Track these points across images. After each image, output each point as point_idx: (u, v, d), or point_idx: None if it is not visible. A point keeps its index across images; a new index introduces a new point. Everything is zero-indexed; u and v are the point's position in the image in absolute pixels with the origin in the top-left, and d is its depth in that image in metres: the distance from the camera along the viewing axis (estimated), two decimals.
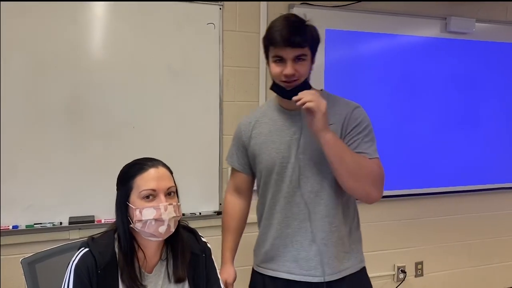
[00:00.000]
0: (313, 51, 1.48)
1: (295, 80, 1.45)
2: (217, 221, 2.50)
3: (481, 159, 3.06)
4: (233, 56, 2.50)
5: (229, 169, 1.79)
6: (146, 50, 2.31)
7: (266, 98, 2.58)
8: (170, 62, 2.36)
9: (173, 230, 1.27)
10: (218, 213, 2.50)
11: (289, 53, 1.42)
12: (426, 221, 3.04)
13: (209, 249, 1.42)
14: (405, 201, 2.95)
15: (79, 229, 2.24)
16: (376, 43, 2.75)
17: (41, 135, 2.16)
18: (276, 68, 1.46)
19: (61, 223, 2.21)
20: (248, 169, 1.68)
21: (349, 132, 1.50)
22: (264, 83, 2.57)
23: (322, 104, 1.38)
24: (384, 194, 2.99)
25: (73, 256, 1.24)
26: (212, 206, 2.50)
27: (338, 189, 1.52)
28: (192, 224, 1.47)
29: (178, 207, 1.28)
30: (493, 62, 3.04)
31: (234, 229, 1.73)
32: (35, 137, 2.15)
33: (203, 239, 1.43)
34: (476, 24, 2.93)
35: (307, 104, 1.37)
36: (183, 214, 2.31)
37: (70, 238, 2.21)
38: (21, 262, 1.45)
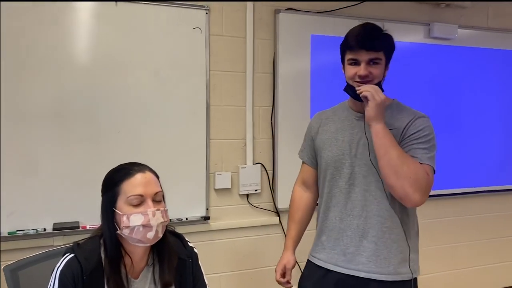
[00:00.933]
0: (388, 57, 1.56)
1: (369, 81, 1.52)
2: (204, 227, 2.50)
3: (462, 162, 3.10)
4: (219, 61, 2.50)
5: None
6: (132, 54, 2.30)
7: (253, 103, 2.58)
8: (157, 66, 2.35)
9: (161, 235, 1.26)
10: (205, 218, 2.49)
11: (363, 56, 1.50)
12: (423, 222, 3.02)
13: (195, 254, 1.41)
14: None
15: (64, 235, 2.20)
16: None
17: (24, 140, 2.13)
18: (351, 70, 1.54)
19: (45, 229, 2.17)
20: (315, 163, 1.75)
21: (406, 138, 1.53)
22: (251, 87, 2.57)
23: (378, 95, 1.45)
24: None
25: (57, 262, 1.22)
26: (199, 212, 2.48)
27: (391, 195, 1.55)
28: (179, 230, 1.46)
29: (165, 212, 1.27)
30: (476, 68, 3.10)
31: (299, 219, 1.79)
32: (17, 141, 2.12)
33: (189, 244, 1.42)
34: (458, 30, 2.99)
35: (364, 92, 1.46)
36: (170, 220, 2.31)
37: (54, 244, 2.18)
38: (3, 270, 1.42)
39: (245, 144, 2.59)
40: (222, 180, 2.54)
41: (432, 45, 2.95)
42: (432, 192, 2.90)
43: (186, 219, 2.44)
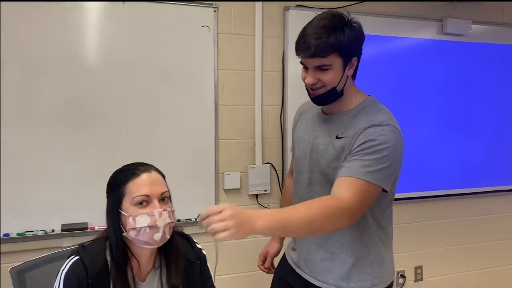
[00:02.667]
0: (346, 57, 1.38)
1: (320, 88, 1.40)
2: None
3: (479, 161, 3.04)
4: (228, 59, 2.47)
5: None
6: (141, 53, 2.28)
7: (262, 101, 2.55)
8: (165, 65, 2.32)
9: (168, 237, 1.23)
10: None
11: (309, 63, 1.38)
12: (424, 224, 3.01)
13: (204, 256, 1.38)
14: (403, 204, 2.92)
15: (72, 236, 2.19)
16: (373, 45, 2.73)
17: (33, 141, 2.12)
18: (302, 74, 1.44)
19: (53, 230, 2.16)
20: None
21: (354, 149, 1.36)
22: (259, 86, 2.53)
23: (228, 224, 1.07)
24: None
25: (63, 265, 1.20)
26: None
27: None
28: (187, 230, 1.43)
29: (172, 212, 1.24)
30: (490, 64, 3.03)
31: None
32: (27, 142, 2.11)
33: (198, 245, 1.39)
34: (472, 25, 2.92)
35: (218, 237, 1.07)
36: (179, 220, 2.29)
37: (63, 246, 2.16)
38: (9, 271, 1.41)
39: (254, 144, 2.56)
40: (231, 180, 2.51)
41: (445, 41, 2.89)
42: (432, 194, 2.90)
43: (195, 219, 2.41)
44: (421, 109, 2.88)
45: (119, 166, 1.30)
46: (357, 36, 1.39)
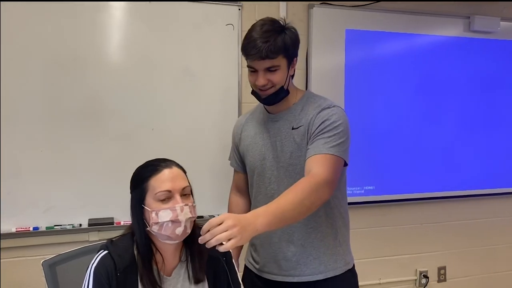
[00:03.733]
0: (289, 58, 1.50)
1: (270, 88, 1.50)
2: None
3: (505, 161, 2.97)
4: None
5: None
6: (164, 52, 2.30)
7: None
8: (188, 63, 2.35)
9: (189, 231, 1.25)
10: None
11: (259, 65, 1.47)
12: (449, 224, 2.96)
13: (229, 252, 1.39)
14: (427, 204, 2.88)
15: (98, 231, 2.24)
16: (397, 43, 2.70)
17: (60, 137, 2.17)
18: (250, 77, 1.53)
19: (80, 225, 2.22)
20: (244, 168, 1.75)
21: (313, 132, 1.50)
22: None
23: (234, 232, 1.11)
24: (405, 198, 2.93)
25: (92, 259, 1.23)
26: None
27: None
28: None
29: (193, 207, 1.27)
30: None
31: None
32: (54, 139, 2.16)
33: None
34: (501, 22, 2.85)
35: (225, 247, 1.10)
36: (202, 217, 2.31)
37: (90, 240, 2.22)
38: (42, 264, 1.46)
39: None
40: None
41: (472, 39, 2.83)
42: (457, 194, 2.85)
43: (218, 215, 2.43)
44: (447, 108, 2.83)
45: (143, 162, 1.33)
46: (296, 39, 1.52)
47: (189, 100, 2.36)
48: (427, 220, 2.91)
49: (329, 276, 1.56)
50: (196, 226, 1.32)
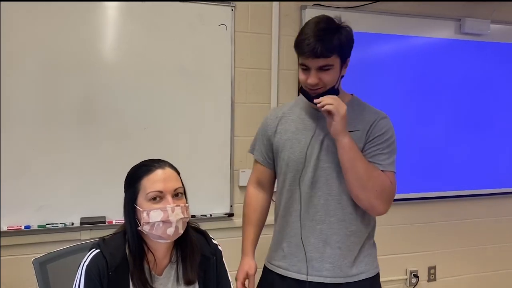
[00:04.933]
0: (343, 57, 1.46)
1: (320, 88, 1.45)
2: (228, 223, 2.50)
3: (496, 162, 3.01)
4: (245, 58, 2.49)
5: (252, 161, 1.80)
6: (158, 51, 2.31)
7: (278, 100, 2.56)
8: (182, 63, 2.36)
9: (181, 232, 1.26)
10: (229, 215, 2.49)
11: (313, 63, 1.42)
12: (439, 224, 2.99)
13: (220, 251, 1.41)
14: (418, 204, 2.91)
15: (91, 229, 2.24)
16: (390, 45, 2.72)
17: (53, 136, 2.17)
18: (301, 76, 1.48)
19: (72, 223, 2.22)
20: (271, 164, 1.67)
21: (371, 140, 1.50)
22: (275, 85, 2.55)
23: (342, 107, 1.39)
24: (397, 197, 2.94)
25: (83, 257, 1.24)
26: (223, 208, 2.49)
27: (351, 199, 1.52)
28: (203, 226, 1.46)
29: (186, 208, 1.27)
30: (509, 64, 2.99)
31: (256, 221, 1.72)
32: (47, 138, 2.16)
33: (214, 241, 1.42)
34: (491, 25, 2.88)
35: (327, 107, 1.39)
36: (194, 216, 2.32)
37: (82, 238, 2.22)
38: (32, 262, 1.46)
39: None
40: (246, 177, 2.49)
41: (463, 41, 2.86)
42: (447, 194, 2.88)
43: (211, 215, 2.45)
44: (438, 109, 2.86)
45: (136, 162, 1.33)
46: (351, 39, 1.48)
47: (182, 100, 2.37)
48: (417, 220, 2.94)
49: (363, 278, 1.54)
50: (190, 227, 1.33)
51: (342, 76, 1.52)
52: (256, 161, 1.73)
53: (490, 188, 3.02)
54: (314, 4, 2.56)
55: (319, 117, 1.52)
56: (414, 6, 2.76)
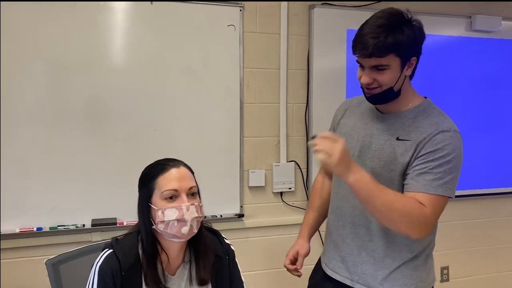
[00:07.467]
0: (404, 57, 1.33)
1: (375, 88, 1.36)
2: (238, 224, 2.50)
3: (509, 160, 2.97)
4: (253, 58, 2.49)
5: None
6: (167, 52, 2.32)
7: (287, 100, 2.56)
8: (191, 64, 2.36)
9: (195, 231, 1.25)
10: (239, 215, 2.48)
11: (365, 62, 1.34)
12: (452, 224, 2.96)
13: (232, 251, 1.40)
14: None
15: (101, 231, 2.25)
16: None
17: (63, 138, 2.18)
18: (358, 73, 1.40)
19: (83, 225, 2.22)
20: None
21: (420, 156, 1.34)
22: (284, 85, 2.55)
23: (335, 154, 1.22)
24: None
25: (97, 257, 1.24)
26: (233, 209, 2.48)
27: None
28: (213, 227, 1.45)
29: (200, 207, 1.27)
30: None
31: (318, 207, 1.70)
32: (58, 140, 2.17)
33: (226, 241, 1.41)
34: (502, 22, 2.85)
35: (317, 156, 1.25)
36: (205, 217, 2.32)
37: (93, 240, 2.22)
38: (45, 263, 1.46)
39: (279, 142, 2.57)
40: (256, 178, 2.53)
41: (474, 39, 2.83)
42: (461, 193, 2.84)
43: (221, 216, 2.44)
44: (449, 107, 2.80)
45: (146, 163, 1.33)
46: (417, 36, 1.34)
47: (191, 101, 2.37)
48: None
49: None
50: (203, 226, 1.32)
51: (411, 77, 1.42)
52: None
53: (504, 187, 2.98)
54: (323, 3, 2.55)
55: (379, 119, 1.45)
56: (423, 4, 2.74)
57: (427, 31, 2.92)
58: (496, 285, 3.11)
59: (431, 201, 1.32)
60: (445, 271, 2.98)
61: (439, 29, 2.76)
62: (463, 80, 2.84)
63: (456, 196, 2.92)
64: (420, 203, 1.31)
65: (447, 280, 2.99)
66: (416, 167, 1.34)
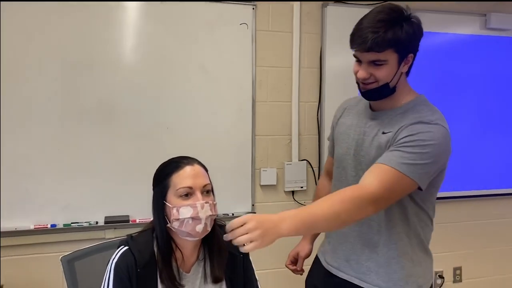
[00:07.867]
0: (402, 53, 1.32)
1: (372, 83, 1.35)
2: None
3: None
4: (266, 56, 2.48)
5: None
6: (179, 51, 2.32)
7: (299, 98, 2.55)
8: (203, 62, 2.36)
9: (209, 229, 1.25)
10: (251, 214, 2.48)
11: (363, 57, 1.33)
12: (465, 224, 2.93)
13: None
14: (443, 204, 2.85)
15: (115, 228, 2.26)
16: None
17: (77, 136, 2.20)
18: (354, 67, 1.39)
19: (97, 222, 2.24)
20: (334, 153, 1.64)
21: (396, 141, 1.32)
22: (297, 83, 2.54)
23: (256, 237, 1.08)
24: None
25: (112, 254, 1.25)
26: (244, 207, 2.48)
27: (402, 201, 1.38)
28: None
29: (214, 205, 1.27)
30: None
31: None
32: (71, 138, 2.19)
33: None
34: None
35: (246, 248, 1.10)
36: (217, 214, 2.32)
37: (106, 237, 2.24)
38: (61, 260, 1.47)
39: (291, 140, 2.56)
40: (268, 176, 2.53)
41: (489, 37, 2.80)
42: (474, 193, 2.81)
43: (232, 214, 2.45)
44: (463, 106, 2.80)
45: (159, 161, 1.33)
46: (415, 32, 1.34)
47: (203, 99, 2.37)
48: (442, 220, 2.88)
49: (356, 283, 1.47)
50: (216, 224, 1.33)
51: (407, 73, 1.42)
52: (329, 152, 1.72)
53: (507, 188, 2.93)
54: (335, 2, 2.54)
55: (374, 117, 1.45)
56: (439, 2, 2.71)
57: (442, 29, 2.91)
58: (509, 286, 3.07)
59: (385, 174, 1.25)
60: (457, 272, 2.96)
61: (454, 27, 2.73)
62: (478, 78, 2.81)
63: (470, 196, 2.94)
64: (357, 186, 1.26)
65: (460, 281, 2.97)
66: (390, 147, 1.33)
